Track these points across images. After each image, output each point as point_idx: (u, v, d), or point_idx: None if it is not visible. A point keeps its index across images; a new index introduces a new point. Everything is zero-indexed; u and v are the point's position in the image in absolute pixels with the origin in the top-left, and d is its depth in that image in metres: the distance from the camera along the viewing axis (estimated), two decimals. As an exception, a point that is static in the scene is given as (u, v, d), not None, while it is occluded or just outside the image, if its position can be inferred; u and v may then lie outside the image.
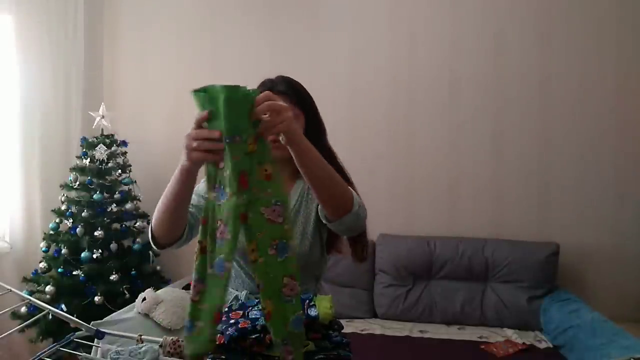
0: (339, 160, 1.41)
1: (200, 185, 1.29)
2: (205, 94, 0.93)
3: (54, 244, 2.94)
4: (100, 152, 3.02)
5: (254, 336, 1.11)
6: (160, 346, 1.72)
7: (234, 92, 0.92)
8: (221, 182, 0.96)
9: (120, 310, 2.43)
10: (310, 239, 1.33)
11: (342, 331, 1.24)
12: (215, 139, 0.92)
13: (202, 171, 1.06)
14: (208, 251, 0.95)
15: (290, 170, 1.39)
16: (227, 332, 1.12)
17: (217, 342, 1.13)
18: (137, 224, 3.11)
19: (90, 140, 3.08)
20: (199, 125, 0.95)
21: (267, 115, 0.95)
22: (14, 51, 3.02)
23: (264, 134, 0.95)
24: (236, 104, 0.92)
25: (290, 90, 1.32)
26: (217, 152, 0.94)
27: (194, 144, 0.94)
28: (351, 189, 1.20)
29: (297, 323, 0.96)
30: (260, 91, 1.31)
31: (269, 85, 1.34)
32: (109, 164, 3.07)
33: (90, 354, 1.87)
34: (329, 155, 1.39)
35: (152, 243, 1.19)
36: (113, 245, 2.94)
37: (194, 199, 1.23)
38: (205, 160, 0.96)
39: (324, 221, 1.23)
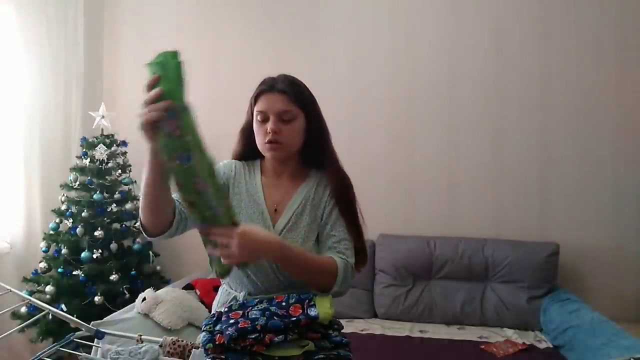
0: (340, 165, 1.38)
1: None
2: (156, 63, 1.00)
3: (54, 244, 2.94)
4: (100, 152, 3.03)
5: (253, 336, 1.11)
6: (160, 346, 1.72)
7: (178, 57, 0.98)
8: (183, 148, 1.01)
9: (120, 310, 2.43)
10: (313, 243, 1.31)
11: (342, 331, 1.24)
12: (162, 94, 0.98)
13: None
14: (197, 202, 1.07)
15: (291, 172, 1.38)
16: (227, 332, 1.12)
17: (217, 342, 1.13)
18: (137, 224, 3.10)
19: (90, 140, 3.09)
20: (149, 90, 1.01)
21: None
22: (14, 52, 3.02)
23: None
24: (182, 69, 0.99)
25: (290, 89, 1.29)
26: (165, 115, 0.98)
27: (146, 110, 1.00)
28: (334, 267, 1.24)
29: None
30: (260, 92, 1.31)
31: (269, 83, 1.31)
32: (109, 164, 3.07)
33: (90, 354, 1.86)
34: (331, 159, 1.37)
35: (142, 232, 1.23)
36: (113, 245, 2.95)
37: None
38: (157, 121, 0.99)
39: None
